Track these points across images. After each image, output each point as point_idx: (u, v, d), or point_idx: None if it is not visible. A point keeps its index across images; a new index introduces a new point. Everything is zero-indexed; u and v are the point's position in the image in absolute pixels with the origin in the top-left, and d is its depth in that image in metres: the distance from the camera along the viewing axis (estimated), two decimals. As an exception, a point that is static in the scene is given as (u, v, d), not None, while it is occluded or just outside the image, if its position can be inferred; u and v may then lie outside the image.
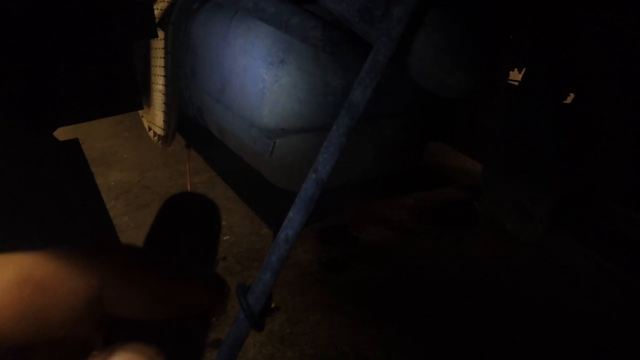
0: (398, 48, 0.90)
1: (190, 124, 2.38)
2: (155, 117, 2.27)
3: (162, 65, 2.12)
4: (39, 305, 0.28)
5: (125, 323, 0.34)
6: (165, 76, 2.11)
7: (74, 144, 1.47)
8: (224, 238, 2.58)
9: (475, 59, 1.06)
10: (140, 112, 2.50)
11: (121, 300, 0.32)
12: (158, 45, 2.14)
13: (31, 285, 0.28)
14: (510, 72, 1.91)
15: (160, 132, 2.26)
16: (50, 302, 0.28)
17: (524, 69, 1.78)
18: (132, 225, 2.70)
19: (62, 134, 1.41)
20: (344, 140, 0.89)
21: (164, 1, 2.16)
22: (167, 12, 2.11)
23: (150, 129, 2.42)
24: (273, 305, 2.14)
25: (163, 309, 0.35)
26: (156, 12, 2.14)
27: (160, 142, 2.30)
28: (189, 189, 2.42)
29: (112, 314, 0.32)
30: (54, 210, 1.32)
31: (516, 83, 1.82)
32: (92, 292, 0.30)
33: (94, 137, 3.77)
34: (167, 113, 2.16)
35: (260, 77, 1.59)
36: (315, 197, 0.87)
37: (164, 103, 2.15)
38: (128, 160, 3.51)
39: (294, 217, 0.85)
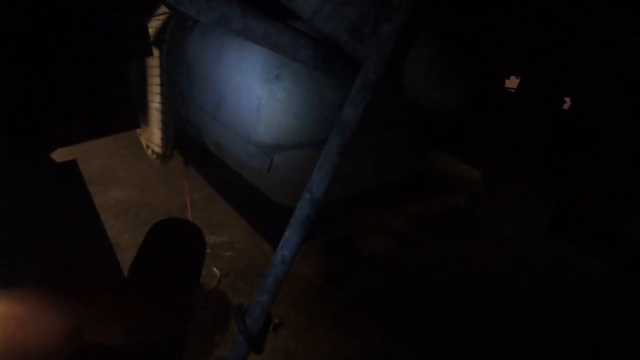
0: (388, 65, 0.91)
1: (188, 141, 2.38)
2: (152, 135, 2.27)
3: (158, 83, 2.12)
4: (22, 339, 0.31)
5: (104, 349, 0.38)
6: (162, 94, 2.11)
7: (71, 166, 1.47)
8: (226, 254, 2.57)
9: (466, 73, 1.06)
10: (138, 130, 2.51)
11: (97, 329, 0.36)
12: (153, 64, 2.15)
13: (14, 321, 0.31)
14: (505, 80, 1.91)
15: (158, 150, 2.26)
16: (31, 335, 0.32)
17: (520, 77, 1.79)
18: (132, 244, 2.69)
19: (60, 152, 1.41)
20: (337, 158, 0.89)
21: (158, 19, 2.17)
22: (161, 30, 2.12)
23: (148, 147, 2.42)
24: (277, 321, 2.13)
25: (135, 334, 0.39)
26: (150, 30, 2.15)
27: (158, 160, 2.30)
28: (188, 206, 2.42)
29: (90, 341, 0.36)
30: (52, 234, 1.32)
31: (512, 90, 1.82)
32: (69, 323, 0.34)
33: (92, 155, 3.77)
34: (164, 131, 2.16)
35: (255, 94, 1.59)
36: (311, 216, 0.87)
37: (161, 121, 2.15)
38: (127, 178, 3.51)
39: (290, 238, 0.84)
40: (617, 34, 1.37)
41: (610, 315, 2.05)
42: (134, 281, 0.51)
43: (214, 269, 2.43)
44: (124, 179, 3.51)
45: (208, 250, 2.60)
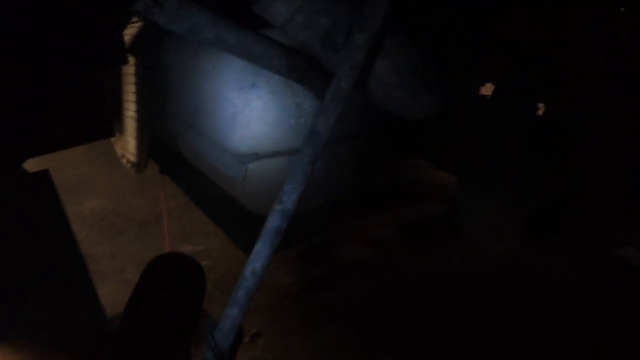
0: (360, 74, 0.91)
1: (164, 150, 2.35)
2: (127, 144, 2.24)
3: (133, 91, 2.09)
4: None
5: None
6: (137, 102, 2.09)
7: (44, 176, 1.43)
8: (202, 263, 2.54)
9: (439, 82, 1.07)
10: (112, 139, 2.47)
11: None
12: (129, 71, 2.12)
13: None
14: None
15: (133, 159, 2.23)
16: None
17: (494, 83, 1.80)
18: (107, 254, 2.65)
19: (34, 161, 1.38)
20: (309, 169, 0.89)
21: (133, 27, 2.14)
22: (137, 38, 2.09)
23: (123, 155, 2.38)
24: (255, 330, 2.11)
25: None
26: (126, 37, 2.12)
27: (133, 169, 2.26)
28: (164, 215, 2.39)
29: None
30: (22, 246, 1.28)
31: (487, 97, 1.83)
32: None
33: (67, 164, 3.70)
34: (139, 139, 2.13)
35: (231, 102, 1.58)
36: (281, 228, 0.86)
37: (136, 129, 2.12)
38: (103, 187, 3.46)
39: (261, 250, 0.83)
40: (615, 33, 1.38)
41: (608, 314, 2.06)
42: (131, 328, 0.49)
43: (191, 278, 2.40)
44: (99, 189, 3.45)
45: (184, 260, 2.58)
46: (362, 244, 2.74)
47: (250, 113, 1.53)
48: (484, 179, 1.76)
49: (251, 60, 1.00)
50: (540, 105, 1.72)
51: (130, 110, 2.15)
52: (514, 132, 1.68)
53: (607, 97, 1.46)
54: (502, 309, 2.19)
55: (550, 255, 2.16)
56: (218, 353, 0.72)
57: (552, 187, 1.65)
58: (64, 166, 3.69)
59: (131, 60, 2.06)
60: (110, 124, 2.20)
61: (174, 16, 0.90)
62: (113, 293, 2.36)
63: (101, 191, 3.41)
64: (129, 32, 2.13)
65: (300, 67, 1.01)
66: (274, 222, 0.83)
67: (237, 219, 1.84)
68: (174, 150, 2.24)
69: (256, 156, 1.54)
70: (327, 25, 0.97)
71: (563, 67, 1.55)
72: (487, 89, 1.88)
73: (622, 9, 1.41)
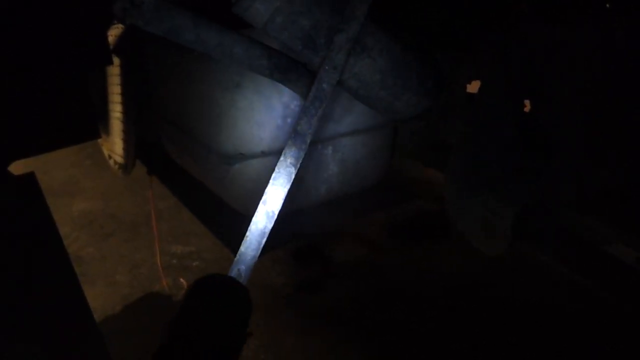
0: (343, 74, 0.90)
1: (151, 151, 2.34)
2: (114, 145, 2.22)
3: (119, 92, 2.08)
4: None
5: None
6: (123, 103, 2.07)
7: (29, 179, 1.42)
8: (194, 264, 2.53)
9: (423, 81, 1.07)
10: (99, 140, 2.45)
11: None
12: (114, 72, 2.10)
13: None
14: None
15: (120, 160, 2.21)
16: None
17: (481, 80, 1.79)
18: (97, 257, 2.63)
19: (20, 164, 1.37)
20: (292, 170, 0.89)
21: (118, 27, 2.12)
22: (122, 38, 2.07)
23: (110, 157, 2.37)
24: (247, 330, 2.10)
25: None
26: (110, 39, 2.11)
27: (120, 170, 2.25)
28: (153, 216, 2.37)
29: None
30: (7, 249, 1.27)
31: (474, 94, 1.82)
32: None
33: (54, 166, 3.67)
34: (126, 141, 2.12)
35: (216, 102, 1.57)
36: (266, 229, 0.86)
37: (123, 131, 2.11)
38: (91, 188, 3.43)
39: (246, 252, 0.83)
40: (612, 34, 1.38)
41: (607, 314, 2.07)
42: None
43: (182, 279, 2.39)
44: (88, 190, 3.43)
45: (174, 261, 2.56)
46: (356, 243, 2.74)
47: (235, 113, 1.52)
48: (473, 177, 1.76)
49: (232, 61, 0.99)
50: (527, 102, 1.72)
51: (116, 111, 2.13)
52: (501, 130, 1.67)
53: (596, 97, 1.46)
54: (502, 309, 2.20)
55: (545, 255, 2.16)
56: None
57: (539, 187, 1.65)
58: (51, 168, 3.66)
59: (116, 60, 2.04)
60: (96, 126, 2.18)
61: (152, 18, 0.89)
62: (103, 295, 2.35)
63: (89, 193, 3.38)
64: (114, 33, 2.11)
65: (283, 67, 1.01)
66: (258, 223, 0.83)
67: (226, 219, 1.83)
68: (161, 151, 2.23)
69: (242, 157, 1.54)
70: (308, 26, 0.96)
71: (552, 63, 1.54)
72: (474, 87, 1.88)
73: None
